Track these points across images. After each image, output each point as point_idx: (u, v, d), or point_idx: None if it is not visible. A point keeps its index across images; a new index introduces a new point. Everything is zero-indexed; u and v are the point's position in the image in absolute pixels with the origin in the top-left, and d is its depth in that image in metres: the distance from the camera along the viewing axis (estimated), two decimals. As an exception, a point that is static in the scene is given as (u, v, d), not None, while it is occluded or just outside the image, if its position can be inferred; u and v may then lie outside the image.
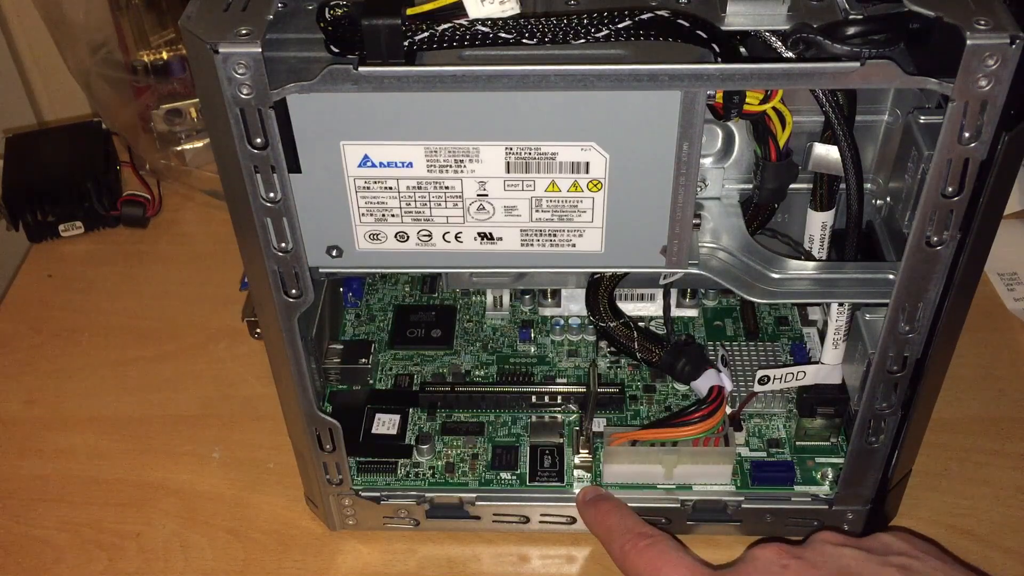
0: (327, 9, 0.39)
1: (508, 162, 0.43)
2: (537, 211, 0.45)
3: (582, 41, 0.39)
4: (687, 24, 0.39)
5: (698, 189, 0.50)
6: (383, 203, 0.45)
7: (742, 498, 0.56)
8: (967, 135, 0.40)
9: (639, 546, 0.47)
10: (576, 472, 0.58)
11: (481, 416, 0.62)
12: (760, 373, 0.58)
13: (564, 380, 0.63)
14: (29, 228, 0.82)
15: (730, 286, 0.49)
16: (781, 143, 0.49)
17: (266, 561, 0.59)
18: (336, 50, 0.39)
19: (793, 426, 0.60)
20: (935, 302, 0.47)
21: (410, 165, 0.43)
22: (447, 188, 0.44)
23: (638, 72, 0.39)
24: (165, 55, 0.87)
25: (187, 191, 0.87)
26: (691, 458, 0.56)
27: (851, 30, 0.39)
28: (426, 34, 0.39)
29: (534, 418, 0.61)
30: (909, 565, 0.42)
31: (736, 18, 0.41)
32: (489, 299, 0.68)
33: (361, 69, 0.39)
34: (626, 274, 0.58)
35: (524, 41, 0.39)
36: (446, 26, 0.39)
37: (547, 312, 0.68)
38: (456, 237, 0.46)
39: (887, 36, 0.39)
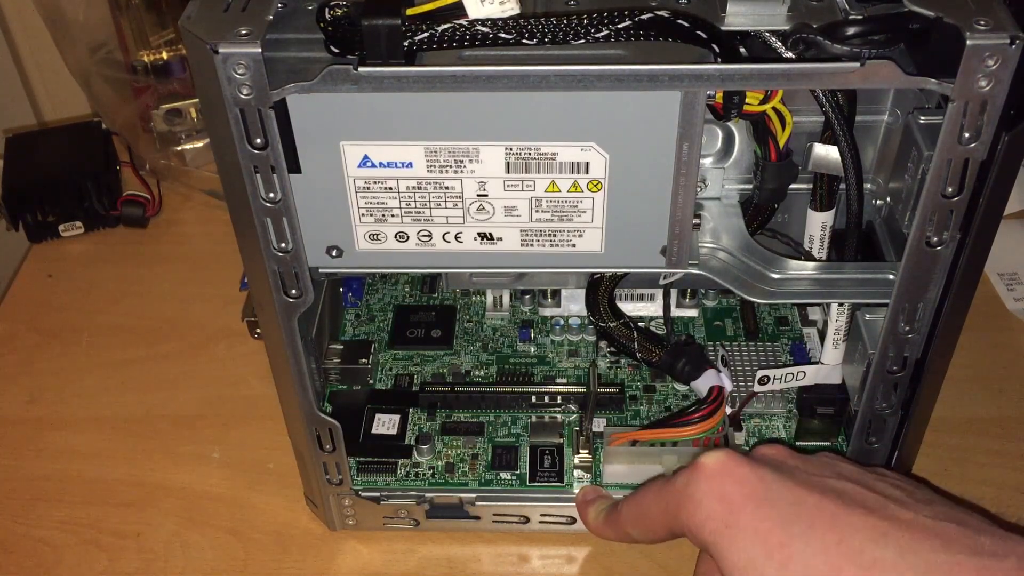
0: (327, 9, 0.39)
1: (508, 162, 0.43)
2: (537, 211, 0.45)
3: (582, 41, 0.39)
4: (687, 24, 0.39)
5: (698, 189, 0.50)
6: (383, 203, 0.45)
7: (742, 498, 0.56)
8: (967, 135, 0.40)
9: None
10: (576, 472, 0.58)
11: (481, 416, 0.62)
12: (760, 373, 0.58)
13: (564, 380, 0.63)
14: (29, 228, 0.82)
15: (730, 286, 0.49)
16: (781, 143, 0.49)
17: (266, 561, 0.59)
18: (336, 50, 0.39)
19: (793, 426, 0.60)
20: (935, 302, 0.47)
21: (410, 165, 0.43)
22: (447, 188, 0.44)
23: (638, 72, 0.39)
24: (165, 55, 0.87)
25: (187, 191, 0.87)
26: (691, 458, 0.55)
27: (851, 30, 0.39)
28: (426, 34, 0.39)
29: (534, 418, 0.61)
30: (904, 487, 0.43)
31: (736, 18, 0.41)
32: (489, 299, 0.68)
33: (361, 69, 0.39)
34: (626, 274, 0.58)
35: (524, 41, 0.39)
36: (446, 26, 0.39)
37: (547, 312, 0.68)
38: (456, 237, 0.46)
39: (887, 36, 0.39)
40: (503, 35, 0.39)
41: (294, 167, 0.43)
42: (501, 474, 0.59)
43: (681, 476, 0.44)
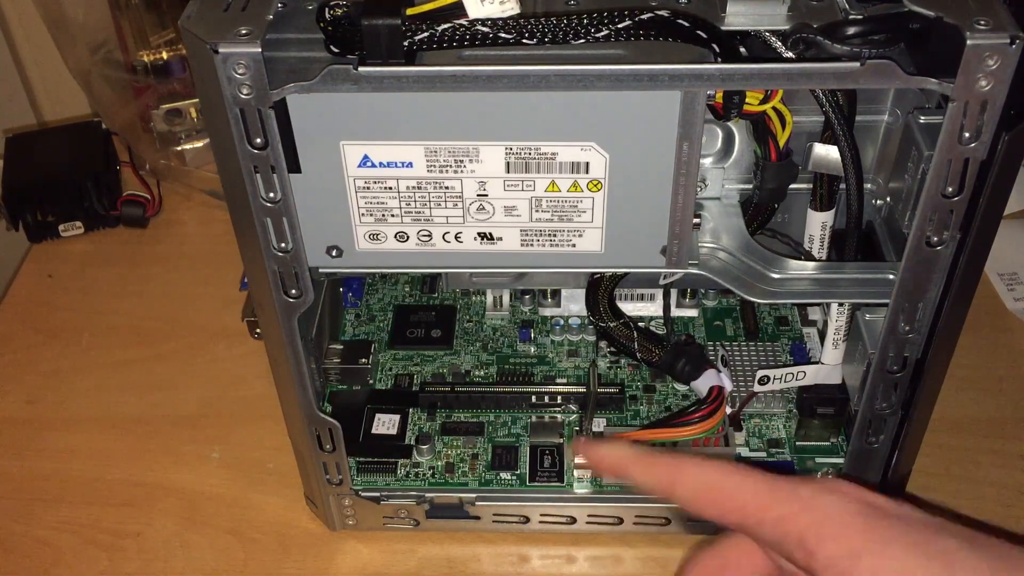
0: (327, 9, 0.39)
1: (508, 162, 0.43)
2: (537, 211, 0.45)
3: (582, 41, 0.39)
4: (687, 24, 0.39)
5: (698, 189, 0.50)
6: (383, 203, 0.45)
7: (742, 498, 0.56)
8: (967, 135, 0.40)
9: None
10: (576, 472, 0.58)
11: (481, 416, 0.62)
12: (760, 373, 0.58)
13: (564, 380, 0.63)
14: (29, 228, 0.82)
15: (730, 286, 0.49)
16: (781, 143, 0.49)
17: (266, 561, 0.59)
18: (336, 50, 0.39)
19: (793, 426, 0.60)
20: (935, 302, 0.47)
21: (410, 165, 0.43)
22: (447, 188, 0.44)
23: (638, 72, 0.39)
24: (165, 55, 0.87)
25: (187, 191, 0.87)
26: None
27: (851, 30, 0.39)
28: (426, 34, 0.39)
29: (534, 418, 0.61)
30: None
31: (736, 18, 0.41)
32: (489, 299, 0.68)
33: (361, 69, 0.39)
34: (626, 274, 0.58)
35: (524, 41, 0.39)
36: (446, 26, 0.39)
37: (547, 312, 0.68)
38: (456, 237, 0.46)
39: (887, 36, 0.39)
40: (503, 35, 0.39)
41: (294, 167, 0.43)
42: (501, 474, 0.59)
43: (803, 486, 0.39)
